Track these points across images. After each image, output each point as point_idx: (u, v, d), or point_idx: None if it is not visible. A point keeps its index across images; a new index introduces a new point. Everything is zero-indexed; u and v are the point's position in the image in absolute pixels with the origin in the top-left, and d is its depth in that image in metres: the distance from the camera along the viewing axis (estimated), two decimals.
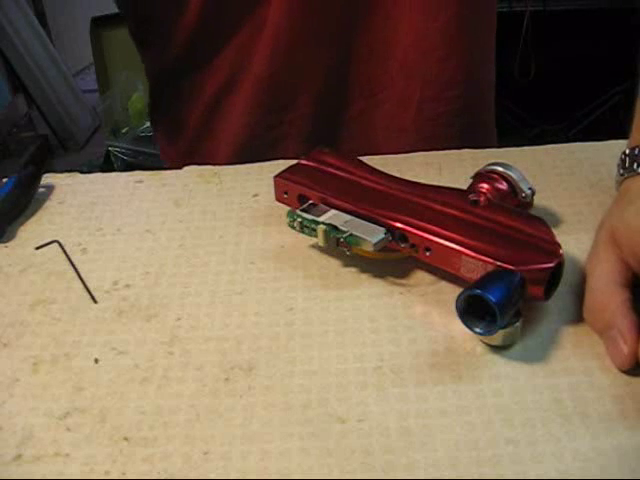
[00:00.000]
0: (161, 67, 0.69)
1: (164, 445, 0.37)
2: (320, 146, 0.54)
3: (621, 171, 0.47)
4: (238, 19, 0.61)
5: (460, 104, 0.65)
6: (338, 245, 0.47)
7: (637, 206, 0.43)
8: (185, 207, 0.56)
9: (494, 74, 0.71)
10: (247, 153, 0.66)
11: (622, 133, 0.57)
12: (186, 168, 0.61)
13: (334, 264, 0.49)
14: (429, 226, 0.44)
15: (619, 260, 0.42)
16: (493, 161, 0.49)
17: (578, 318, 0.42)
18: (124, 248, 0.52)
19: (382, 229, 0.45)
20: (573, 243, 0.47)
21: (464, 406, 0.38)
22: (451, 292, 0.44)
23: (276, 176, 0.51)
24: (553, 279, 0.41)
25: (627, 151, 0.47)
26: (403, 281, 0.46)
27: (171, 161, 0.74)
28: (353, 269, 0.48)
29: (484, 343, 0.41)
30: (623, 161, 0.47)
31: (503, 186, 0.48)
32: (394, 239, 0.46)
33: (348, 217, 0.47)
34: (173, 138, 0.73)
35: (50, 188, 0.60)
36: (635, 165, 0.46)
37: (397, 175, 0.51)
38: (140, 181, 0.60)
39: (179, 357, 0.42)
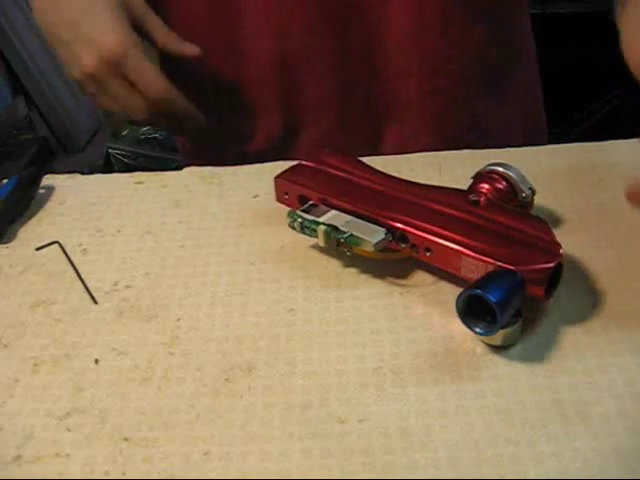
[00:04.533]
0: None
1: (164, 445, 0.37)
2: (321, 147, 0.54)
3: None
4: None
5: (457, 77, 0.64)
6: (338, 246, 0.47)
7: None
8: (185, 208, 0.56)
9: (511, 50, 0.70)
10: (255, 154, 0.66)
11: (622, 135, 0.57)
12: (186, 169, 0.61)
13: (334, 264, 0.49)
14: (429, 226, 0.44)
15: None
16: (493, 161, 0.49)
17: (578, 318, 0.42)
18: (124, 249, 0.52)
19: (382, 229, 0.45)
20: (573, 243, 0.47)
21: (464, 406, 0.38)
22: (451, 292, 0.44)
23: (277, 177, 0.51)
24: (553, 279, 0.41)
25: None
26: (403, 281, 0.46)
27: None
28: (353, 269, 0.48)
29: (484, 343, 0.41)
30: None
31: (503, 186, 0.48)
32: (394, 239, 0.46)
33: (348, 217, 0.47)
34: None
35: (50, 189, 0.60)
36: None
37: (397, 175, 0.51)
38: (140, 182, 0.60)
39: (179, 357, 0.42)
